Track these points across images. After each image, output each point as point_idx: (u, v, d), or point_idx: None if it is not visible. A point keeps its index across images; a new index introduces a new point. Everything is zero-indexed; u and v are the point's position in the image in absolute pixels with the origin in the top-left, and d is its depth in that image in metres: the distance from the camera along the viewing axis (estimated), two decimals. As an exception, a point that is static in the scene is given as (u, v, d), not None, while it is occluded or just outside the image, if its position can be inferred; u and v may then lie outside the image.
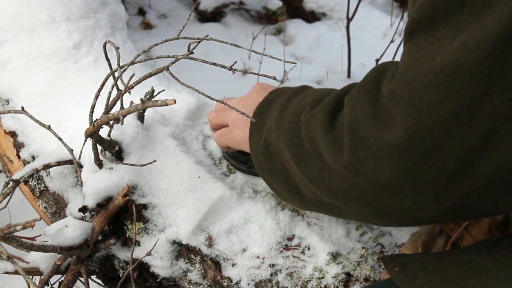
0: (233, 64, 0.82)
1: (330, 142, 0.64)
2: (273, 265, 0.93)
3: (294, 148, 0.72)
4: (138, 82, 0.84)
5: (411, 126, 0.56)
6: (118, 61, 0.85)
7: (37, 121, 0.93)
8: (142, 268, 0.97)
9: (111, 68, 0.88)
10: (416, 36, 0.57)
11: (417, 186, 0.59)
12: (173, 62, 0.82)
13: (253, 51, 0.88)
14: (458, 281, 0.64)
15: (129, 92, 0.86)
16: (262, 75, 0.86)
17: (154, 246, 0.93)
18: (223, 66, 0.82)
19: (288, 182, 0.78)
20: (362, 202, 0.66)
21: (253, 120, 0.83)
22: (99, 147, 0.94)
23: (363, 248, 0.94)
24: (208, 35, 0.88)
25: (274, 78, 0.85)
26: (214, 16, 3.68)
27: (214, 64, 0.83)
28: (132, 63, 0.84)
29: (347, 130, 0.62)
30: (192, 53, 0.81)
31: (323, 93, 0.74)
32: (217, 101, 0.80)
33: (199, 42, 0.82)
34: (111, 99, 0.87)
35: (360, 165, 0.61)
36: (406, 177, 0.58)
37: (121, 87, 0.88)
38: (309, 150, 0.69)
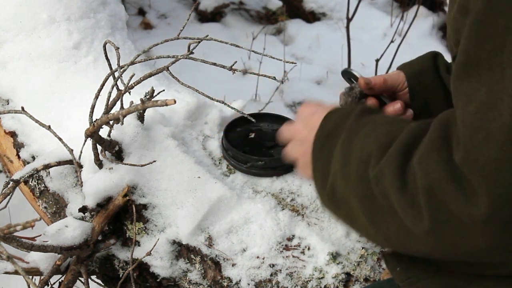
0: (233, 64, 0.82)
1: (406, 204, 0.61)
2: (273, 265, 0.93)
3: (366, 202, 0.68)
4: (138, 82, 0.84)
5: (493, 188, 0.53)
6: (118, 61, 0.85)
7: (37, 121, 0.93)
8: (142, 268, 0.97)
9: (111, 68, 0.88)
10: (458, 84, 0.56)
11: (508, 246, 0.57)
12: (173, 62, 0.82)
13: (253, 51, 0.88)
14: (460, 286, 0.64)
15: (129, 92, 0.86)
16: (262, 75, 0.87)
17: (154, 246, 0.93)
18: (223, 66, 0.82)
19: (354, 225, 0.74)
20: (444, 258, 0.65)
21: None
22: (99, 147, 0.94)
23: (363, 248, 0.94)
24: (208, 35, 0.88)
25: (274, 78, 0.85)
26: (214, 16, 3.69)
27: (214, 64, 0.83)
28: (132, 63, 0.84)
29: (423, 194, 0.59)
30: (192, 53, 0.81)
31: (386, 133, 0.69)
32: (212, 98, 0.80)
33: (199, 42, 0.82)
34: (111, 99, 0.87)
35: (443, 230, 0.59)
36: (495, 240, 0.56)
37: (121, 87, 0.88)
38: (384, 206, 0.65)
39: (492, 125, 0.53)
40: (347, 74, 1.01)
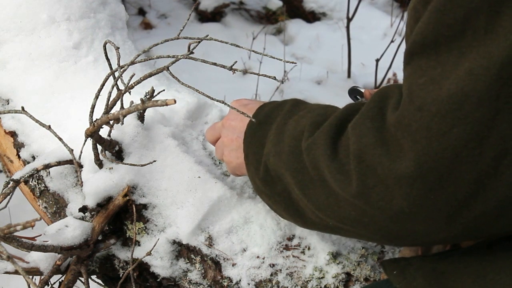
0: (233, 64, 0.82)
1: (335, 170, 0.64)
2: (273, 265, 0.93)
3: (297, 175, 0.71)
4: (138, 82, 0.84)
5: (421, 155, 0.56)
6: (118, 61, 0.85)
7: (37, 121, 0.93)
8: (142, 268, 0.97)
9: (111, 68, 0.88)
10: (416, 59, 0.58)
11: (430, 212, 0.59)
12: (173, 62, 0.82)
13: (253, 51, 0.88)
14: (456, 285, 0.65)
15: (129, 92, 0.86)
16: (262, 75, 0.86)
17: (154, 246, 0.93)
18: (223, 66, 0.82)
19: (290, 205, 0.77)
20: (373, 228, 0.66)
21: (250, 121, 0.80)
22: (99, 147, 0.94)
23: (363, 248, 0.94)
24: (208, 35, 0.88)
25: (274, 78, 0.85)
26: (214, 16, 3.69)
27: (214, 64, 0.83)
28: (132, 63, 0.84)
29: (353, 159, 0.62)
30: (192, 53, 0.81)
31: (320, 114, 0.73)
32: (212, 98, 0.81)
33: (199, 42, 0.82)
34: (111, 99, 0.87)
35: (370, 194, 0.61)
36: (418, 205, 0.59)
37: (121, 87, 0.88)
38: (313, 177, 0.68)
39: (430, 96, 0.56)
40: (354, 92, 1.03)
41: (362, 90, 1.00)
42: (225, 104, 0.81)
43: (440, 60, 0.56)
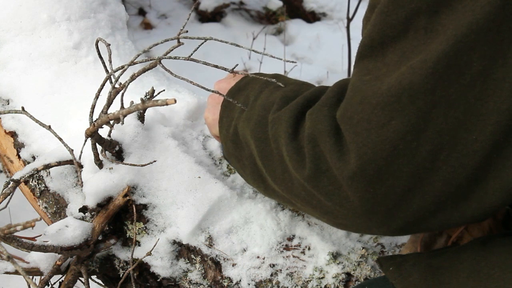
0: (235, 67, 0.83)
1: (292, 150, 0.66)
2: (273, 265, 0.93)
3: (260, 144, 0.74)
4: (133, 78, 0.83)
5: (361, 147, 0.57)
6: (110, 57, 0.85)
7: (37, 121, 0.93)
8: (142, 268, 0.97)
9: (105, 67, 0.88)
10: (365, 61, 0.59)
11: (369, 205, 0.60)
12: (165, 54, 0.82)
13: (253, 50, 0.88)
14: (451, 281, 0.65)
15: (126, 87, 0.86)
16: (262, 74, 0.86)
17: (154, 246, 0.93)
18: (225, 69, 0.82)
19: (255, 170, 0.80)
20: (320, 211, 0.68)
21: (226, 97, 0.83)
22: (99, 147, 0.94)
23: (363, 248, 0.94)
24: (208, 36, 0.88)
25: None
26: (214, 16, 3.69)
27: (216, 66, 0.83)
28: (132, 63, 0.84)
29: (308, 142, 0.63)
30: (191, 54, 0.81)
31: (293, 90, 0.75)
32: (206, 89, 0.82)
33: (201, 43, 0.82)
34: (110, 97, 0.87)
35: (321, 179, 0.63)
36: (359, 197, 0.60)
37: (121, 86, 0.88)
38: (273, 150, 0.71)
39: (371, 89, 0.57)
40: None
41: None
42: (224, 97, 0.82)
43: (386, 61, 0.57)
